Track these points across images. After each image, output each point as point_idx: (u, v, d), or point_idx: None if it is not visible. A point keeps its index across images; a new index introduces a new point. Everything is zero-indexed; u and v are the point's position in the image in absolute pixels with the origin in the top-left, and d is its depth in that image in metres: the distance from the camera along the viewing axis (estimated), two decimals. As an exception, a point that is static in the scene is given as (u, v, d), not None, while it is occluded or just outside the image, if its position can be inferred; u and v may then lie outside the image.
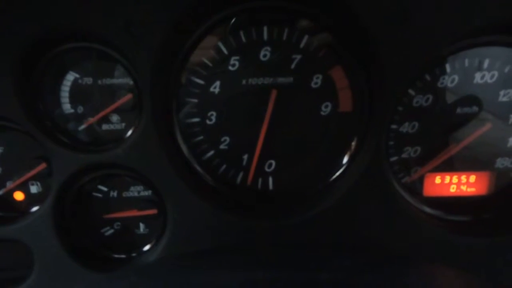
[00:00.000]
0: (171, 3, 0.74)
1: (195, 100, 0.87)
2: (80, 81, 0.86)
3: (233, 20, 0.83)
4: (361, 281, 0.61)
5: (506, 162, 0.90)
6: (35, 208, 0.92)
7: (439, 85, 0.86)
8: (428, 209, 0.94)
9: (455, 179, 0.93)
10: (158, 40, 0.76)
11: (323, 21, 0.83)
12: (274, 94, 0.85)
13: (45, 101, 0.88)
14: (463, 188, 0.93)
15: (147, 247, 0.96)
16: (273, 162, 0.92)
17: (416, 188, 0.93)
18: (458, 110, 0.87)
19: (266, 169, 0.93)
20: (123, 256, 0.98)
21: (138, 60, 0.78)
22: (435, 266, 0.73)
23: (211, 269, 0.72)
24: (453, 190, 0.93)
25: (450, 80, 0.85)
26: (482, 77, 0.85)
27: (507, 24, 0.76)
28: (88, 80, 0.87)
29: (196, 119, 0.89)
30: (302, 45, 0.83)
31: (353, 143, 0.89)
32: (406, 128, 0.89)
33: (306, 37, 0.83)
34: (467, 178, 0.92)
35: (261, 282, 0.62)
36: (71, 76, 0.86)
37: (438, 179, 0.93)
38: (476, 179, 0.92)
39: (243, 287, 0.60)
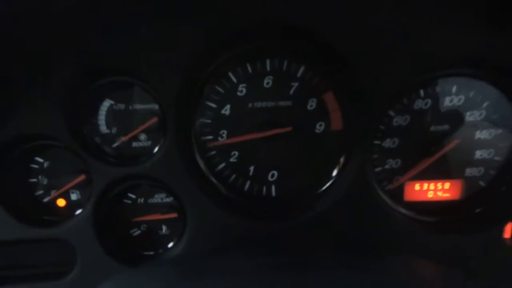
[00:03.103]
0: (188, 49, 0.87)
1: (209, 121, 1.00)
2: (114, 107, 0.99)
3: (238, 57, 0.95)
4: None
5: (474, 171, 1.01)
6: (78, 211, 1.03)
7: (415, 107, 0.97)
8: (405, 211, 1.05)
9: (432, 186, 1.03)
10: (179, 76, 0.89)
11: (312, 55, 0.95)
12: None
13: (87, 124, 1.00)
14: (439, 193, 1.04)
15: (170, 244, 1.08)
16: (275, 173, 1.04)
17: (397, 194, 1.04)
18: (432, 128, 0.98)
19: (270, 179, 1.05)
20: (151, 252, 1.10)
21: (163, 91, 0.91)
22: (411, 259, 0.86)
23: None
24: (430, 195, 1.04)
25: (425, 103, 0.96)
26: (451, 101, 0.96)
27: (467, 59, 0.88)
28: (121, 106, 0.99)
29: (210, 137, 1.01)
30: (299, 74, 0.96)
31: (342, 156, 1.01)
32: (388, 143, 1.00)
33: (302, 68, 0.96)
34: (442, 185, 1.03)
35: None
36: (107, 103, 0.99)
37: (417, 186, 1.04)
38: (450, 186, 1.03)
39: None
